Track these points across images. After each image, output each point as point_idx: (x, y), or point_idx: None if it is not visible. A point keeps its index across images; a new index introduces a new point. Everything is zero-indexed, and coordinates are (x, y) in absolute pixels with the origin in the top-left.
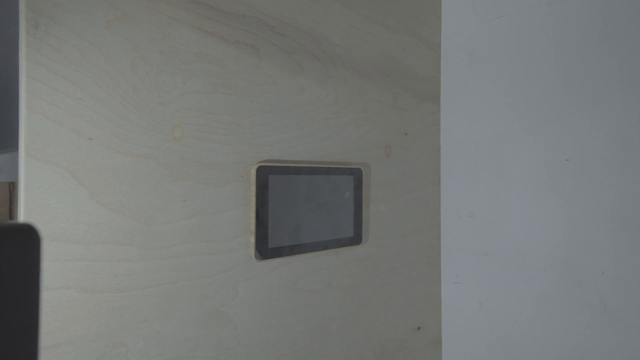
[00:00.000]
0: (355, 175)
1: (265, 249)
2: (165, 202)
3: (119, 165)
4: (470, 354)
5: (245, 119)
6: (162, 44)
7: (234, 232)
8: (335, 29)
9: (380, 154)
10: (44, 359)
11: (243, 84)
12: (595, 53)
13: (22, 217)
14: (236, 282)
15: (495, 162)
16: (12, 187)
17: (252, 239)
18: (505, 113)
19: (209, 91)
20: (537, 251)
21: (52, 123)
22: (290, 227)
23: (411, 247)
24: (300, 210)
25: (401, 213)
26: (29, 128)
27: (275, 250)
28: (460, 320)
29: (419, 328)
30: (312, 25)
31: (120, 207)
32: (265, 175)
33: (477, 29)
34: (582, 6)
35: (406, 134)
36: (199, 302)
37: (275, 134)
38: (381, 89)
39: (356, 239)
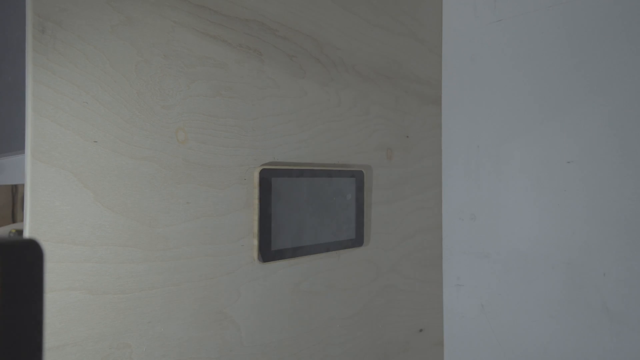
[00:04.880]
0: (357, 178)
1: (268, 252)
2: (169, 204)
3: (123, 167)
4: (472, 356)
5: (248, 121)
6: (166, 48)
7: (237, 234)
8: (337, 32)
9: (382, 157)
10: None
11: (246, 87)
12: (596, 55)
13: (27, 219)
14: (239, 284)
15: (497, 164)
16: (15, 190)
17: (255, 242)
18: (507, 115)
19: (212, 94)
20: (539, 253)
21: (57, 126)
22: (293, 229)
23: (413, 249)
24: (302, 212)
25: (403, 215)
26: (35, 131)
27: (277, 253)
28: (462, 322)
29: (420, 330)
30: (314, 28)
31: (125, 209)
32: (268, 178)
33: (478, 32)
34: (582, 9)
35: (408, 137)
36: (202, 303)
37: (278, 136)
38: (383, 92)
39: (358, 240)
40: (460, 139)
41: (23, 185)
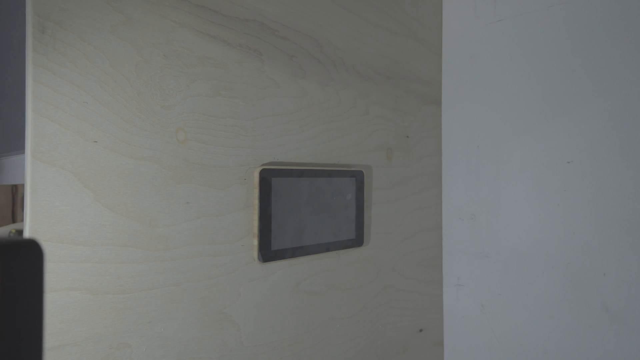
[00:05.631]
0: (357, 178)
1: (268, 252)
2: (169, 204)
3: (123, 167)
4: (472, 356)
5: (248, 121)
6: (166, 47)
7: (237, 234)
8: (337, 32)
9: (382, 157)
10: None
11: (246, 87)
12: (596, 55)
13: (27, 219)
14: (239, 284)
15: (497, 164)
16: (15, 190)
17: (255, 242)
18: (506, 115)
19: (212, 94)
20: (539, 253)
21: (57, 126)
22: (293, 229)
23: (413, 249)
24: (302, 212)
25: (403, 215)
26: (35, 131)
27: (277, 253)
28: (462, 322)
29: (420, 330)
30: (314, 28)
31: (125, 209)
32: (268, 178)
33: (478, 32)
34: (583, 9)
35: (408, 137)
36: (202, 303)
37: (278, 136)
38: (383, 92)
39: (358, 241)
40: (460, 139)
41: (23, 185)
